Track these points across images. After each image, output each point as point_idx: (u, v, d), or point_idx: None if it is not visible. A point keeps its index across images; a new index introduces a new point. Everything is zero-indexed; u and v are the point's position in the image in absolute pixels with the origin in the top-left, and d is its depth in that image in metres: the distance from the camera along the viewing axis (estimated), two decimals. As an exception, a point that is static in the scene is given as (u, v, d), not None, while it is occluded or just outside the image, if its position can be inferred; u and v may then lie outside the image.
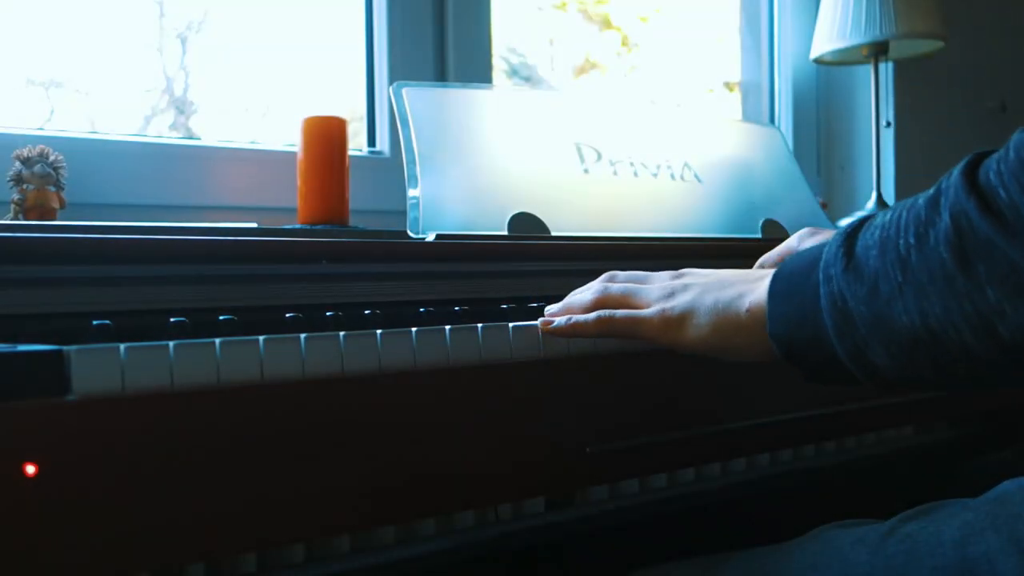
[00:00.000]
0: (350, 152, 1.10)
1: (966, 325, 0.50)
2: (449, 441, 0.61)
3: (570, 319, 0.67)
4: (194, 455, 0.50)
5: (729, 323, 0.62)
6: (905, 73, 1.85)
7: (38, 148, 0.97)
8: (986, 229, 0.48)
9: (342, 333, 0.58)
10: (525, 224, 0.99)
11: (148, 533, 0.49)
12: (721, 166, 1.21)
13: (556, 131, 1.10)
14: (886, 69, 1.84)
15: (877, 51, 1.60)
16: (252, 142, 1.29)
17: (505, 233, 0.98)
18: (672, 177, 1.17)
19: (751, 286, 0.63)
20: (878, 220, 0.55)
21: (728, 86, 1.96)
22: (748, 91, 1.93)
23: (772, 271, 0.62)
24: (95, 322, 0.64)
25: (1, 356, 0.46)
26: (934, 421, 1.13)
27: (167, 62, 1.30)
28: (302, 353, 0.56)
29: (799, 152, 1.88)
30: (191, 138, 1.29)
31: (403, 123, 0.99)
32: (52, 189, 0.97)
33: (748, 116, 1.91)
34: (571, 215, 1.04)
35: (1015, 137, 0.49)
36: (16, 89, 1.17)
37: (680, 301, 0.65)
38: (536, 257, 0.94)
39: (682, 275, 0.68)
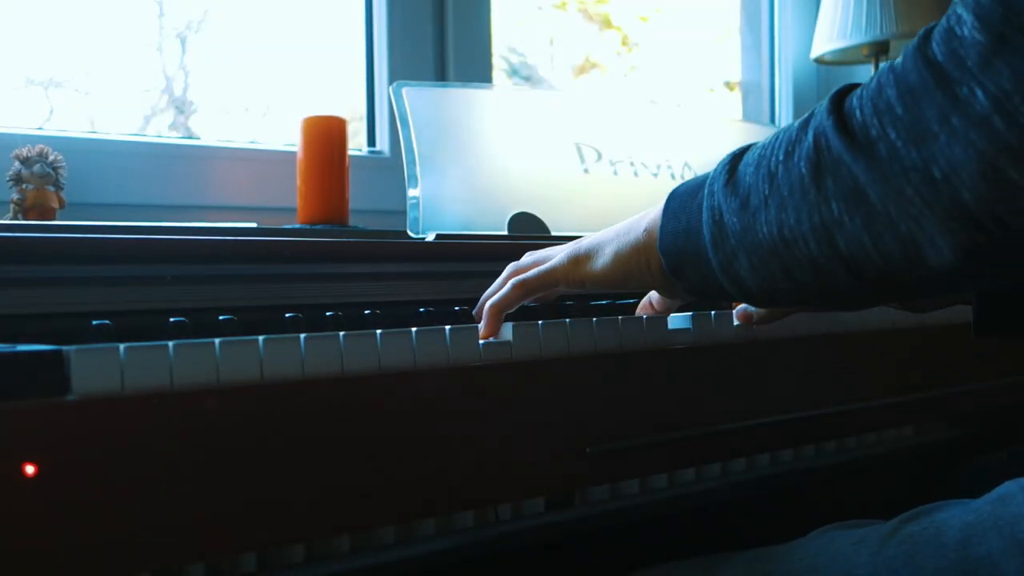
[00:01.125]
0: (350, 152, 1.10)
1: (812, 235, 0.54)
2: (449, 441, 0.61)
3: (487, 306, 0.70)
4: (194, 455, 0.50)
5: (629, 247, 0.67)
6: (905, 73, 1.85)
7: (37, 148, 0.97)
8: (838, 147, 0.52)
9: (342, 333, 0.58)
10: (525, 224, 0.99)
11: (148, 533, 0.49)
12: (721, 166, 1.20)
13: (556, 131, 1.10)
14: (886, 69, 1.84)
15: (878, 51, 1.60)
16: (252, 142, 1.29)
17: (505, 233, 0.98)
18: (672, 177, 1.17)
19: (650, 212, 0.67)
20: (762, 142, 0.60)
21: (728, 86, 1.96)
22: (748, 91, 1.93)
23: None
24: (95, 322, 0.64)
25: (1, 356, 0.46)
26: (934, 421, 1.13)
27: (167, 62, 1.30)
28: (302, 353, 0.56)
29: (799, 152, 1.87)
30: (191, 138, 1.29)
31: (403, 123, 0.99)
32: (51, 189, 0.97)
33: (748, 116, 1.91)
34: (571, 215, 1.04)
35: (880, 67, 0.53)
36: (15, 89, 1.17)
37: (584, 242, 0.70)
38: (536, 257, 0.94)
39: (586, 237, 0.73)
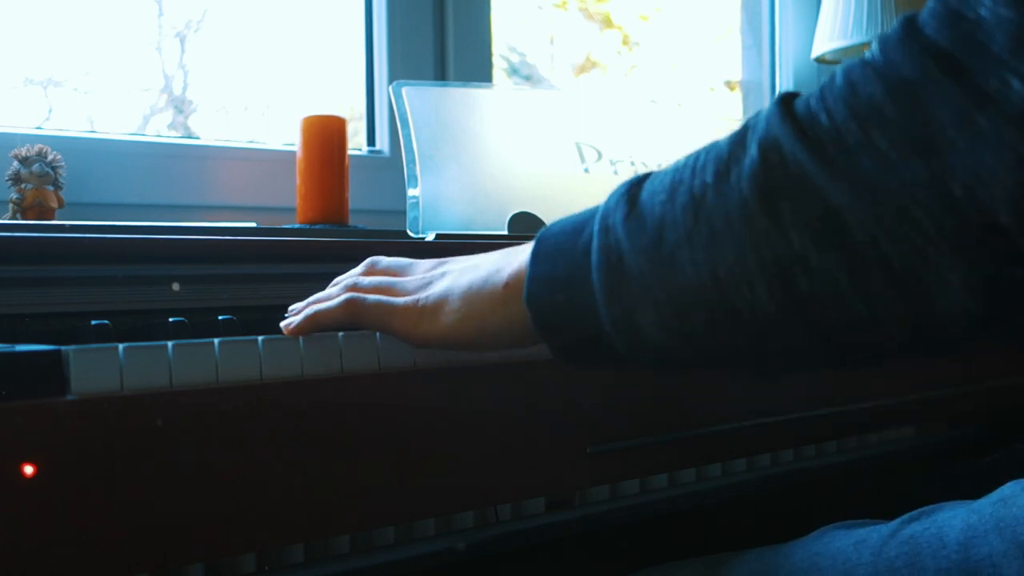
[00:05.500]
0: (350, 152, 1.09)
1: (760, 275, 0.42)
2: (450, 441, 0.61)
3: (309, 310, 0.59)
4: (193, 455, 0.50)
5: (484, 301, 0.54)
6: (905, 72, 1.85)
7: (36, 147, 0.97)
8: (800, 160, 0.41)
9: (341, 333, 0.58)
10: (525, 224, 0.99)
11: (148, 533, 0.49)
12: (721, 165, 1.20)
13: (556, 130, 1.10)
14: (886, 68, 1.83)
15: (877, 50, 1.60)
16: (251, 141, 1.28)
17: (505, 233, 0.98)
18: (672, 176, 1.17)
19: (514, 258, 0.54)
20: (672, 166, 0.48)
21: (729, 85, 1.96)
22: (749, 90, 1.92)
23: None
24: (94, 322, 0.64)
25: (0, 356, 0.46)
26: (935, 421, 1.13)
27: (166, 61, 1.30)
28: (301, 353, 0.56)
29: (799, 151, 1.87)
30: (190, 137, 1.29)
31: (403, 122, 0.99)
32: (50, 188, 0.96)
33: (749, 115, 1.90)
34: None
35: (841, 65, 0.43)
36: (14, 88, 1.17)
37: (434, 289, 0.57)
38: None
39: (444, 263, 0.61)
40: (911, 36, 0.40)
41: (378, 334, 0.59)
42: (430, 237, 0.91)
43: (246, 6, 1.34)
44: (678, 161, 0.48)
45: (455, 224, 0.96)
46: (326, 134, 1.07)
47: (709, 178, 0.44)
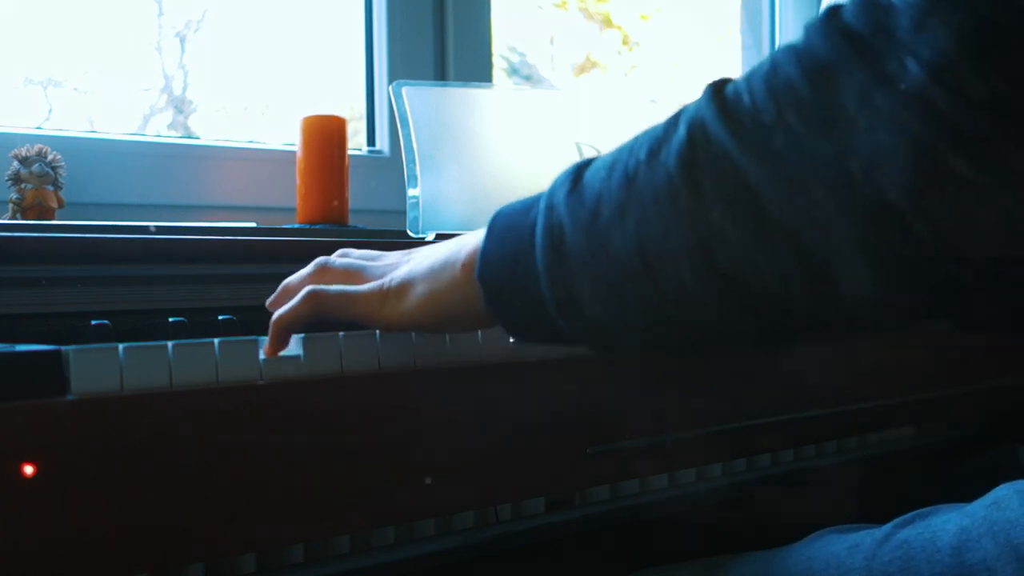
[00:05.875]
0: (350, 152, 1.09)
1: (684, 251, 0.43)
2: (449, 441, 0.61)
3: (276, 316, 0.58)
4: (193, 455, 0.50)
5: (444, 282, 0.55)
6: (905, 73, 1.85)
7: (36, 147, 0.97)
8: (721, 138, 0.42)
9: (341, 333, 0.58)
10: (525, 224, 0.99)
11: (147, 533, 0.49)
12: (721, 166, 1.20)
13: (556, 130, 1.10)
14: (886, 69, 1.83)
15: (877, 51, 1.60)
16: (251, 141, 1.28)
17: (505, 233, 0.98)
18: (672, 177, 1.17)
19: (472, 238, 0.55)
20: (617, 147, 0.49)
21: (728, 85, 1.96)
22: (748, 91, 1.92)
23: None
24: (93, 322, 0.64)
25: (0, 356, 0.46)
26: (934, 421, 1.13)
27: (166, 61, 1.30)
28: (300, 353, 0.56)
29: (799, 152, 1.87)
30: (190, 137, 1.29)
31: (403, 122, 0.99)
32: (50, 188, 0.97)
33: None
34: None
35: (776, 50, 0.44)
36: (14, 88, 1.17)
37: (399, 272, 0.58)
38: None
39: (412, 251, 0.61)
40: (831, 20, 0.41)
41: (377, 333, 0.59)
42: (430, 237, 0.91)
43: (246, 6, 1.34)
44: (625, 141, 0.49)
45: (455, 224, 0.96)
46: (326, 134, 1.07)
47: (642, 156, 0.46)
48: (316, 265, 0.61)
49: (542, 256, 0.49)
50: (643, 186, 0.45)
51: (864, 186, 0.38)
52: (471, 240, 0.55)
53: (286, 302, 0.59)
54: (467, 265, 0.55)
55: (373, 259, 0.62)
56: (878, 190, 0.38)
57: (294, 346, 0.58)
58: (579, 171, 0.50)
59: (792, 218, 0.40)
